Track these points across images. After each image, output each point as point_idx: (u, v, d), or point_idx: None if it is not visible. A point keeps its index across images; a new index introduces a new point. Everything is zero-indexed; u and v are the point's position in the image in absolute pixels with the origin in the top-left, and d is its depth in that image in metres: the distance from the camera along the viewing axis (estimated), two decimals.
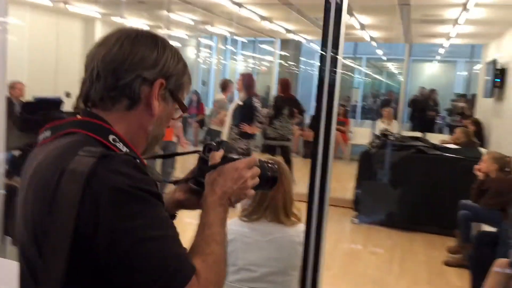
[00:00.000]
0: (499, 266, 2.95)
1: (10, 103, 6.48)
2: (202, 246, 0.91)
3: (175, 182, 1.10)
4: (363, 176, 5.68)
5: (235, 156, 1.02)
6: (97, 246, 0.79)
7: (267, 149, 6.45)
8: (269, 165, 1.08)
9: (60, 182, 0.81)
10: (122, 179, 0.81)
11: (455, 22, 7.08)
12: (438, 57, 13.90)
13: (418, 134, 8.61)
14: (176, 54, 0.98)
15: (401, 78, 14.80)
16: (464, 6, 5.80)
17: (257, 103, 5.46)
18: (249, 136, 5.45)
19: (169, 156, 1.07)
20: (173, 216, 1.09)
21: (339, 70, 1.77)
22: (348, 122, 9.90)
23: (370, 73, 16.91)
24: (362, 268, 4.28)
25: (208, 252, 0.90)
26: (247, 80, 5.56)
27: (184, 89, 1.00)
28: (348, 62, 13.29)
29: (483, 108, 8.99)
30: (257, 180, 1.02)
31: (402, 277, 4.11)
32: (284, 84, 6.54)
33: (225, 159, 1.00)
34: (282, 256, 1.94)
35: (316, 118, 1.75)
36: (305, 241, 1.84)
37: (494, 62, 7.76)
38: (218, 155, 1.01)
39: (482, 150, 6.71)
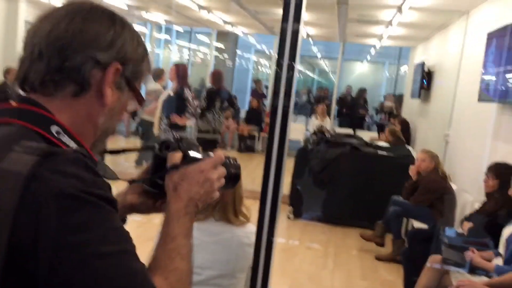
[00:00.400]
0: (432, 262, 3.06)
1: None
2: (165, 261, 0.79)
3: (131, 182, 0.97)
4: (299, 172, 5.71)
5: (198, 156, 0.90)
6: (37, 265, 0.64)
7: (201, 142, 6.33)
8: (231, 161, 0.99)
9: None
10: (70, 182, 0.67)
11: (388, 23, 7.33)
12: (369, 58, 14.41)
13: (348, 131, 8.87)
14: (136, 36, 0.84)
15: (332, 76, 15.23)
16: (399, 8, 5.99)
17: (188, 94, 5.33)
18: (179, 128, 5.30)
19: (118, 152, 0.94)
20: (123, 221, 0.96)
21: (297, 65, 1.70)
22: None
23: (303, 70, 17.23)
24: (298, 263, 4.30)
25: (171, 269, 0.79)
26: (180, 70, 5.41)
27: (142, 78, 0.86)
28: None
29: (410, 108, 9.42)
30: (223, 181, 0.91)
31: (337, 272, 4.17)
32: (217, 76, 6.43)
33: (188, 159, 0.88)
34: (229, 258, 1.84)
35: (272, 115, 1.67)
36: (256, 241, 1.76)
37: (422, 64, 8.13)
38: (178, 155, 0.88)
39: (409, 148, 7.03)
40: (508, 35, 3.89)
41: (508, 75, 3.82)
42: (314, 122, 8.59)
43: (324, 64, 17.04)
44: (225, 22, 9.25)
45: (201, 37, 12.79)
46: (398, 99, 11.14)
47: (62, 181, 0.66)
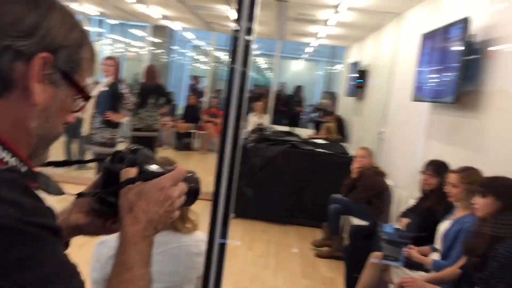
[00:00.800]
0: (374, 258, 3.11)
1: None
2: None
3: (79, 196, 0.84)
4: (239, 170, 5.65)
5: (157, 170, 0.80)
6: None
7: (135, 141, 6.17)
8: (189, 174, 0.90)
9: None
10: (6, 211, 0.55)
11: (325, 23, 7.45)
12: (304, 56, 14.64)
13: (284, 128, 8.95)
14: (68, 18, 0.70)
15: (269, 73, 15.32)
16: (336, 9, 6.09)
17: (124, 89, 5.12)
18: (115, 125, 5.07)
19: (62, 164, 0.82)
20: (66, 245, 0.83)
21: (250, 65, 1.64)
22: (220, 114, 9.89)
23: None
24: (240, 264, 4.24)
25: None
26: (113, 65, 5.18)
27: (85, 67, 0.72)
28: (221, 54, 13.30)
29: (345, 106, 9.66)
30: (184, 198, 0.81)
31: (279, 272, 4.16)
32: (151, 71, 6.22)
33: (146, 175, 0.78)
34: (177, 270, 1.73)
35: (225, 114, 1.59)
36: (208, 245, 1.67)
37: (356, 64, 8.36)
38: (133, 170, 0.78)
39: (345, 145, 7.20)
40: (441, 37, 4.05)
41: (440, 76, 3.97)
42: (253, 120, 8.56)
43: (261, 61, 17.13)
44: (163, 16, 9.00)
45: (136, 31, 12.38)
46: (333, 97, 11.39)
47: None
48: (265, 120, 8.72)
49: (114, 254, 0.75)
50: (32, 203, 0.58)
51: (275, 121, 10.70)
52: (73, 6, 8.59)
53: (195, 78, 12.89)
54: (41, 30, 0.65)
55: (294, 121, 10.59)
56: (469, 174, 2.79)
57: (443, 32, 4.00)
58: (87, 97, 0.73)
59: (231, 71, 1.71)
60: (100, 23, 12.00)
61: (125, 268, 0.71)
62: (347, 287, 3.48)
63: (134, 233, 0.74)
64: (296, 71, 16.91)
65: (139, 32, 12.31)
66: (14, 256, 0.54)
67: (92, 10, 9.21)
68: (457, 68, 3.57)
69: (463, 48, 3.51)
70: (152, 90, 5.97)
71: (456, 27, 3.72)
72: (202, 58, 16.12)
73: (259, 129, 6.35)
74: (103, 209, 0.81)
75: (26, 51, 0.64)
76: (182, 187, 0.80)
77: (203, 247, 1.69)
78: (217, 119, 9.56)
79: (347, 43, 10.15)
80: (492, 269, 2.21)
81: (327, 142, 6.78)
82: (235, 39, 1.66)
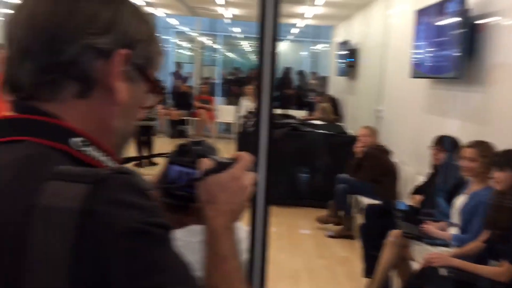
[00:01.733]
0: (393, 236, 3.17)
1: None
2: (223, 286, 0.70)
3: (166, 189, 0.81)
4: None
5: (226, 160, 0.79)
6: None
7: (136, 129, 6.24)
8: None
9: (31, 227, 0.52)
10: (132, 214, 0.54)
11: (312, 3, 7.43)
12: (290, 37, 14.58)
13: (278, 111, 8.96)
14: (138, 11, 0.67)
15: (253, 56, 15.26)
16: None
17: None
18: None
19: (140, 159, 0.82)
20: None
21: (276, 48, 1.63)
22: (212, 100, 9.86)
23: (224, 51, 17.11)
24: None
25: None
26: None
27: (155, 63, 0.70)
28: (204, 39, 13.18)
29: (337, 86, 9.69)
30: (253, 187, 0.79)
31: (294, 254, 4.21)
32: None
33: (220, 165, 0.76)
34: None
35: (258, 101, 1.59)
36: (251, 239, 1.69)
37: (346, 43, 8.36)
38: (207, 161, 0.76)
39: (342, 125, 7.25)
40: (437, 13, 4.07)
41: (440, 52, 4.01)
42: (245, 104, 8.54)
43: (246, 44, 17.04)
44: (146, 3, 8.86)
45: None
46: (322, 77, 11.40)
47: (123, 214, 0.54)
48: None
49: (203, 247, 0.75)
50: (149, 203, 0.58)
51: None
52: None
53: (178, 65, 12.81)
54: (117, 26, 0.63)
55: (286, 104, 10.60)
56: (484, 148, 2.84)
57: (439, 8, 4.02)
58: (160, 93, 0.72)
59: (261, 57, 1.69)
60: None
61: (220, 259, 0.71)
62: (365, 265, 3.55)
63: (220, 225, 0.73)
64: (280, 52, 16.85)
65: None
66: (148, 259, 0.54)
67: None
68: (457, 44, 3.60)
69: (462, 23, 3.54)
70: None
71: (452, 2, 3.75)
72: (185, 44, 15.97)
73: (254, 113, 6.34)
74: (177, 203, 0.79)
75: (106, 48, 0.62)
76: (252, 175, 0.78)
77: (240, 232, 1.70)
78: (209, 105, 9.54)
79: (334, 22, 10.13)
80: None
81: (324, 123, 6.81)
82: (261, 24, 1.64)
